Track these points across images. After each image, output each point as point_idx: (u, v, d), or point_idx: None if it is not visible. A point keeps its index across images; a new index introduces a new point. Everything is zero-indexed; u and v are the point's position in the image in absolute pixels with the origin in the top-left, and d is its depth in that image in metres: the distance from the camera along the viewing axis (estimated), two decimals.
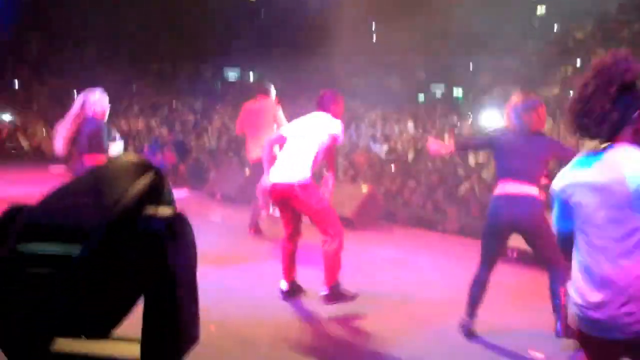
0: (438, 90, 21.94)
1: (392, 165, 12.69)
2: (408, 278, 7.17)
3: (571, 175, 2.61)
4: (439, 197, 10.56)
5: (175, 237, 1.08)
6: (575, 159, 2.63)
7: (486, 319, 5.27)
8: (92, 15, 25.19)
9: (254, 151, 8.51)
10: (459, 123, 16.90)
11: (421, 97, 21.69)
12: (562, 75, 20.25)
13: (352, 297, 5.78)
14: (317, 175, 6.04)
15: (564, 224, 2.71)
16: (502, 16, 23.84)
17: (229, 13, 26.40)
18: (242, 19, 26.92)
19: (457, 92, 21.53)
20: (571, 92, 17.41)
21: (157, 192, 1.14)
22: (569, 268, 4.58)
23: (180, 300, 1.09)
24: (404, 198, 11.15)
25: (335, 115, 5.97)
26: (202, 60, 25.99)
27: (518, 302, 6.27)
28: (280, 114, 8.74)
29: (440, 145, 5.87)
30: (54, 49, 24.62)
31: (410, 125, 17.15)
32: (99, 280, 1.02)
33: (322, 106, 6.03)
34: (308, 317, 5.82)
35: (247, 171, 12.29)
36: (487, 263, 5.13)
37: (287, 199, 5.80)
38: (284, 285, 6.11)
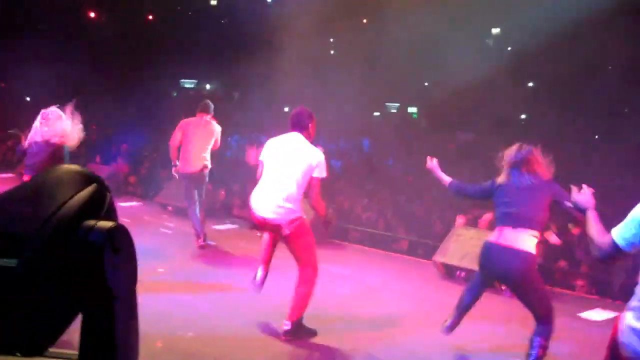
0: (393, 109, 22.16)
1: (346, 184, 12.73)
2: (357, 295, 7.17)
3: None
4: (390, 216, 10.63)
5: (115, 250, 1.06)
6: None
7: (466, 341, 5.30)
8: (47, 19, 24.91)
9: (189, 164, 8.76)
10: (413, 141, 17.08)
11: (377, 113, 21.86)
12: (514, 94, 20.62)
13: (312, 334, 5.67)
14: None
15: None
16: (458, 35, 24.25)
17: (188, 23, 26.31)
18: (201, 30, 26.84)
19: (412, 109, 21.77)
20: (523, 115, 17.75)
21: (99, 205, 1.11)
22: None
23: (119, 316, 1.07)
24: (356, 216, 11.19)
25: (311, 135, 5.72)
26: (160, 69, 25.81)
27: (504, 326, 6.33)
28: (218, 131, 9.07)
29: (437, 170, 5.69)
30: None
31: (364, 142, 17.28)
32: (34, 293, 0.99)
33: (298, 126, 5.69)
34: (257, 333, 5.77)
35: None
36: (470, 292, 5.21)
37: (274, 230, 5.67)
38: (260, 272, 5.95)
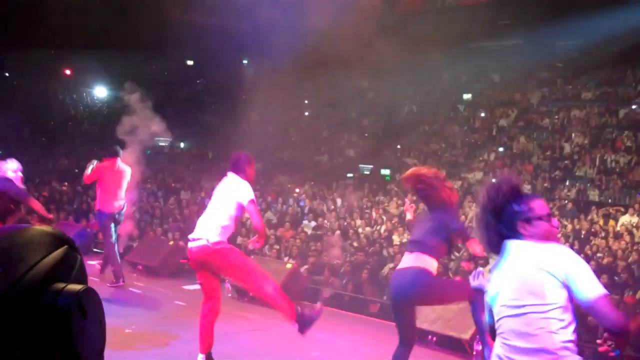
0: (366, 171, 22.32)
1: (319, 243, 12.70)
2: (325, 358, 7.08)
3: None
4: (362, 278, 10.60)
5: (84, 314, 1.05)
6: None
7: None
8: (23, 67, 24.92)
9: (108, 204, 9.59)
10: (386, 202, 17.16)
11: (350, 174, 21.98)
12: (486, 160, 20.92)
13: (318, 312, 5.89)
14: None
15: None
16: (430, 100, 24.69)
17: (164, 81, 26.46)
18: (176, 86, 27.03)
19: (385, 172, 21.93)
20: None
21: (69, 268, 1.11)
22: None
23: None
24: (327, 277, 11.13)
25: (248, 178, 6.03)
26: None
27: None
28: (129, 172, 9.85)
29: (409, 212, 5.95)
30: None
31: (338, 202, 17.31)
32: (2, 358, 0.98)
33: (235, 168, 6.04)
34: None
35: (171, 242, 12.13)
36: (401, 341, 5.14)
37: (202, 260, 5.79)
38: (200, 358, 5.96)
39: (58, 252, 1.09)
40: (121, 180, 9.72)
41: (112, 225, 9.70)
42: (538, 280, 2.65)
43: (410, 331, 5.13)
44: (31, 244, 1.08)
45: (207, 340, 5.96)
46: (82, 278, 1.13)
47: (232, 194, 5.86)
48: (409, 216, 5.91)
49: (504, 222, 2.83)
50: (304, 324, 5.75)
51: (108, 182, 9.59)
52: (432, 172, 5.43)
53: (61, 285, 1.05)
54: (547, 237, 2.78)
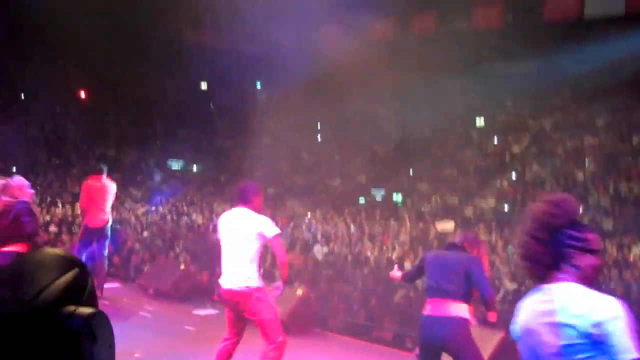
0: (378, 194, 22.29)
1: (329, 271, 12.64)
2: None
3: None
4: (373, 305, 10.52)
5: (94, 337, 1.04)
6: None
7: None
8: (32, 95, 25.11)
9: (95, 219, 10.05)
10: (397, 227, 17.10)
11: (362, 199, 21.96)
12: (498, 187, 20.84)
13: None
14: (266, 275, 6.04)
15: None
16: (443, 125, 24.68)
17: (176, 102, 26.66)
18: (189, 109, 27.19)
19: (397, 197, 21.89)
20: (506, 205, 17.87)
21: (80, 290, 1.11)
22: None
23: None
24: (338, 304, 11.05)
25: (256, 209, 5.96)
26: (145, 149, 25.95)
27: None
28: (114, 188, 10.33)
29: (396, 277, 5.93)
30: None
31: (351, 227, 17.27)
32: None
33: (243, 199, 5.98)
34: None
35: (182, 266, 12.12)
36: None
37: (237, 303, 5.77)
38: None
39: (69, 275, 1.09)
40: (106, 195, 10.12)
41: (102, 239, 10.22)
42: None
43: None
44: (43, 266, 1.08)
45: None
46: (92, 301, 1.12)
47: (252, 228, 5.79)
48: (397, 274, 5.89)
49: (557, 244, 2.58)
50: None
51: (94, 198, 9.99)
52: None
53: (72, 308, 1.05)
54: (595, 274, 2.62)
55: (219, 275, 12.15)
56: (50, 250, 1.16)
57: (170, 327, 9.18)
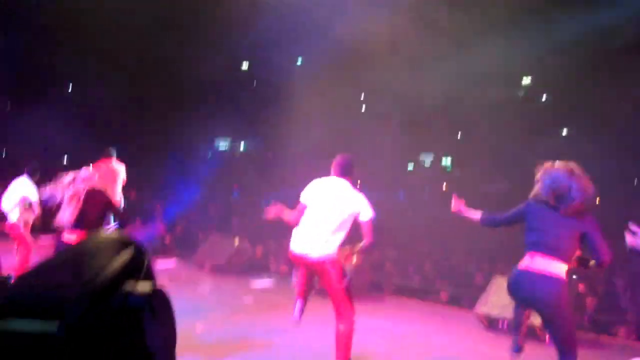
0: (427, 159, 22.13)
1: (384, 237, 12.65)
2: (398, 348, 7.06)
3: None
4: (428, 268, 10.52)
5: (154, 314, 1.07)
6: None
7: None
8: (79, 82, 25.40)
9: None
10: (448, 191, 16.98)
11: (410, 165, 21.84)
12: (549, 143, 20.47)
13: None
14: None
15: None
16: (489, 85, 24.25)
17: (221, 82, 26.75)
18: (234, 88, 27.30)
19: (446, 160, 21.69)
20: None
21: (137, 268, 1.14)
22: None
23: None
24: (394, 268, 11.09)
25: (352, 181, 5.89)
26: (193, 129, 26.16)
27: None
28: (123, 171, 10.39)
29: (465, 210, 5.59)
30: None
31: (400, 194, 17.22)
32: (77, 358, 1.01)
33: (344, 171, 5.87)
34: None
35: (236, 242, 12.28)
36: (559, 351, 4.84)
37: (315, 268, 5.76)
38: (298, 305, 6.08)
39: (126, 254, 1.12)
40: (116, 178, 10.28)
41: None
42: None
43: (564, 336, 4.80)
44: (99, 248, 1.12)
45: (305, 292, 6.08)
46: (150, 279, 1.15)
47: (349, 206, 5.68)
48: (475, 215, 5.55)
49: None
50: None
51: (104, 180, 9.97)
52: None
53: (131, 286, 1.08)
54: None
55: (272, 249, 12.36)
56: (105, 235, 1.19)
57: (228, 300, 9.31)
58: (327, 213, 5.70)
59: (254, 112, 26.12)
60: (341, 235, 5.66)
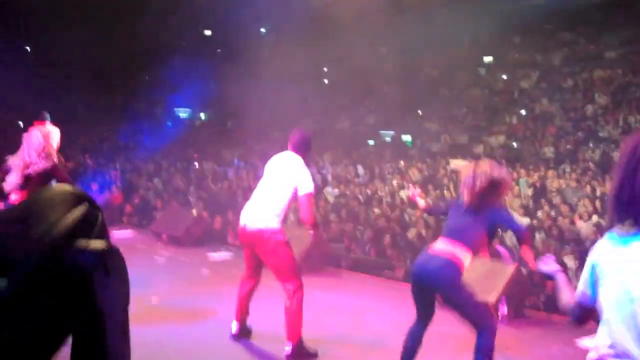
0: (387, 138, 22.23)
1: (342, 210, 12.69)
2: (352, 324, 7.09)
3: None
4: (386, 243, 10.57)
5: (107, 272, 1.04)
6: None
7: None
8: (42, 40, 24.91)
9: None
10: (406, 169, 17.10)
11: (371, 142, 21.92)
12: (508, 123, 20.74)
13: (314, 355, 5.69)
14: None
15: None
16: (450, 64, 24.42)
17: (182, 49, 26.44)
18: (194, 55, 27.00)
19: (406, 138, 21.82)
20: (515, 141, 17.80)
21: (91, 225, 1.10)
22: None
23: (111, 337, 1.05)
24: (350, 243, 11.13)
25: (306, 157, 5.88)
26: (153, 96, 25.85)
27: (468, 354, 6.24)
28: (57, 134, 9.73)
29: (419, 199, 5.68)
30: None
31: (360, 169, 17.28)
32: (24, 314, 0.97)
33: (297, 147, 5.87)
34: None
35: (194, 212, 12.21)
36: (419, 316, 4.97)
37: (254, 243, 5.72)
38: (234, 326, 6.03)
39: (79, 209, 1.08)
40: (50, 141, 10.05)
41: None
42: None
43: (431, 310, 4.93)
44: (52, 202, 1.08)
45: (243, 309, 6.02)
46: (103, 234, 1.12)
47: (290, 178, 5.67)
48: (421, 203, 5.63)
49: None
50: (297, 353, 5.59)
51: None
52: (504, 171, 5.05)
53: (84, 242, 1.04)
54: None
55: (231, 220, 12.32)
56: (58, 187, 1.15)
57: (185, 271, 9.29)
58: (268, 185, 5.79)
59: (215, 80, 25.86)
60: (279, 206, 5.65)
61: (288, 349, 5.58)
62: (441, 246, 4.80)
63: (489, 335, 4.67)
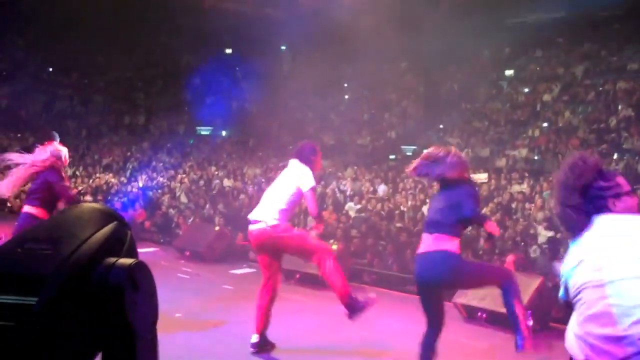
0: (409, 152, 22.18)
1: (364, 225, 12.66)
2: (376, 339, 7.05)
3: None
4: (407, 258, 10.52)
5: (136, 287, 1.05)
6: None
7: None
8: (65, 63, 25.26)
9: None
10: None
11: (392, 156, 21.90)
12: (530, 136, 20.62)
13: (371, 303, 5.81)
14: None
15: None
16: (471, 78, 24.38)
17: (204, 68, 26.66)
18: (216, 77, 27.21)
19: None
20: (538, 154, 17.64)
21: (119, 242, 1.11)
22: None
23: (140, 353, 1.05)
24: (374, 258, 11.10)
25: (313, 167, 6.04)
26: (175, 115, 26.07)
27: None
28: (65, 152, 9.72)
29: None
30: (21, 101, 24.44)
31: (381, 185, 17.25)
32: (54, 332, 0.98)
33: (300, 156, 6.10)
34: None
35: (217, 228, 12.25)
36: (430, 324, 4.95)
37: (262, 243, 5.90)
38: (254, 338, 6.04)
39: (108, 228, 1.09)
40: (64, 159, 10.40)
41: None
42: None
43: (440, 314, 4.93)
44: (81, 220, 1.09)
45: (263, 320, 6.03)
46: (132, 252, 1.13)
47: (293, 179, 5.94)
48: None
49: (591, 199, 2.65)
50: (354, 309, 5.70)
51: None
52: (442, 148, 5.12)
53: (112, 259, 1.05)
54: (635, 212, 2.62)
55: None
56: (87, 205, 1.16)
57: (208, 286, 9.33)
58: (274, 187, 6.07)
59: (236, 97, 26.04)
60: (284, 206, 5.87)
61: (346, 312, 5.74)
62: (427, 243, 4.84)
63: (513, 283, 4.81)
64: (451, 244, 4.74)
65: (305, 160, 6.06)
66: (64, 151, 10.13)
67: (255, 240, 5.98)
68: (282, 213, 5.87)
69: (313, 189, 5.90)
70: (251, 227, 5.97)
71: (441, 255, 4.73)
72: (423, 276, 4.81)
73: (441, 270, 4.72)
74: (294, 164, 6.09)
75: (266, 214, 5.88)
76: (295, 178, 5.95)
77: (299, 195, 5.92)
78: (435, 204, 5.01)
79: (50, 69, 27.16)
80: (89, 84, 25.79)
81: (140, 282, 1.05)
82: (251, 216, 6.04)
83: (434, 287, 4.85)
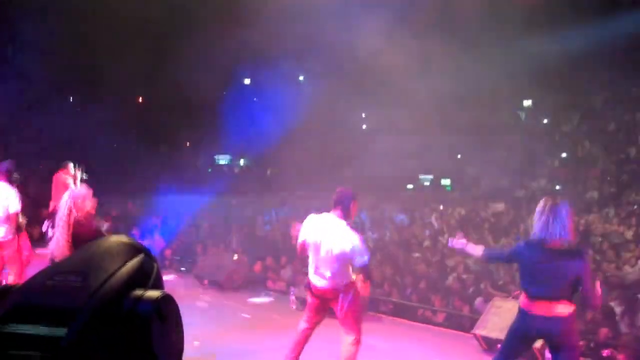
0: (426, 182, 22.17)
1: (380, 254, 12.63)
2: None
3: None
4: (424, 288, 10.48)
5: (163, 319, 1.07)
6: None
7: None
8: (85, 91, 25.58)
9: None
10: (447, 212, 16.98)
11: (410, 186, 21.87)
12: (549, 166, 20.52)
13: None
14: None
15: None
16: (490, 108, 24.35)
17: (222, 98, 26.89)
18: (235, 107, 27.43)
19: (445, 182, 21.71)
20: (557, 185, 17.60)
21: (146, 275, 1.13)
22: None
23: None
24: (391, 288, 11.06)
25: (351, 215, 5.91)
26: (194, 145, 26.23)
27: None
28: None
29: (467, 245, 5.44)
30: (54, 132, 24.68)
31: (399, 213, 17.21)
32: None
33: (341, 205, 5.83)
34: None
35: (235, 257, 12.26)
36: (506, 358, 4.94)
37: (327, 299, 5.88)
38: None
39: (135, 260, 1.12)
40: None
41: None
42: None
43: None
44: (109, 253, 1.11)
45: (295, 354, 6.05)
46: (159, 285, 1.15)
47: (347, 249, 5.62)
48: (478, 251, 5.40)
49: None
50: None
51: (61, 189, 10.21)
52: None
53: (140, 292, 1.07)
54: None
55: (270, 266, 12.36)
56: (115, 238, 1.19)
57: (227, 315, 9.31)
58: (327, 249, 5.74)
59: (253, 127, 26.17)
60: (341, 268, 5.71)
61: None
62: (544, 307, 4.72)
63: None
64: (570, 307, 4.73)
65: (345, 208, 5.82)
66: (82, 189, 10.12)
67: (323, 294, 5.89)
68: (349, 272, 5.79)
69: (367, 263, 5.67)
70: (323, 285, 5.82)
71: (563, 318, 4.70)
72: (537, 331, 4.80)
73: (562, 330, 4.69)
74: (336, 223, 5.81)
75: (336, 278, 5.75)
76: (347, 247, 5.61)
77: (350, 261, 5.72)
78: (545, 270, 4.75)
79: (77, 99, 27.50)
80: (112, 115, 26.05)
81: (167, 314, 1.08)
82: (318, 281, 5.87)
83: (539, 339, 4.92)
